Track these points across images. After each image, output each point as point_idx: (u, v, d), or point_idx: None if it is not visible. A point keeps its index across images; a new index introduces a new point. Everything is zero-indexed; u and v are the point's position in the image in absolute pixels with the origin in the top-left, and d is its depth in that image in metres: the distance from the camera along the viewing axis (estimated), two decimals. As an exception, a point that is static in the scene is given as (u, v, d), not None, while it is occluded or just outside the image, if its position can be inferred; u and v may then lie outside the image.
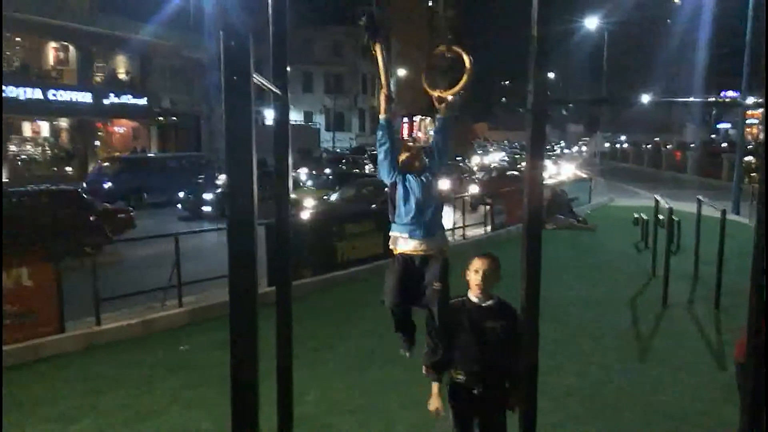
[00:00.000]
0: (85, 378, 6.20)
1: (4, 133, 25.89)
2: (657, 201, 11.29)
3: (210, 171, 22.33)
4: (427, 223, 3.19)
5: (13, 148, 27.07)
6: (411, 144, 3.34)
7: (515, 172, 22.39)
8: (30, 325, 6.71)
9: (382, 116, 3.31)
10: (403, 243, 3.22)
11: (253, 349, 2.02)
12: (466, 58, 3.20)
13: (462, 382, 3.41)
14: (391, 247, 3.30)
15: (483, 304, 3.38)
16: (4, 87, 25.25)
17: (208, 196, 18.21)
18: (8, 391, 5.81)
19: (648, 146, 48.49)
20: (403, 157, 3.26)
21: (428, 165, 3.30)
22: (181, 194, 18.66)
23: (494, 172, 23.69)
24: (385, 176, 3.30)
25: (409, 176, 3.25)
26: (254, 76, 2.31)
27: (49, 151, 28.63)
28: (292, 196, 20.10)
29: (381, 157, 3.27)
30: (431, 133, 3.56)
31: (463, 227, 13.90)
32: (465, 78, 3.20)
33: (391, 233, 3.28)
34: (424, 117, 54.40)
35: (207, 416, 5.28)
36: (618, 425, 5.24)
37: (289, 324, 3.26)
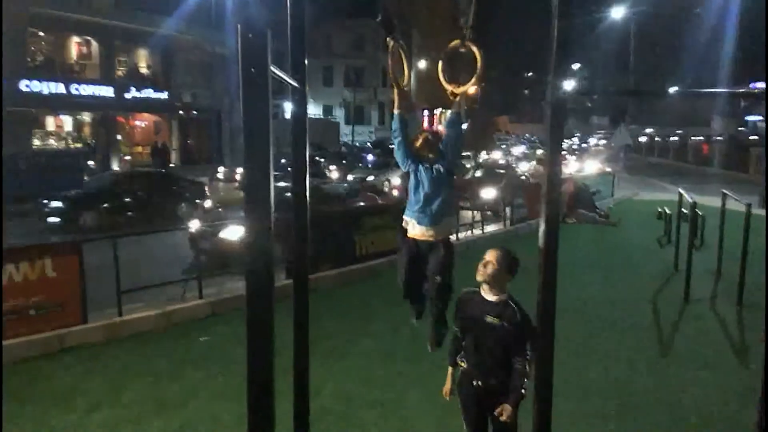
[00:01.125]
0: (107, 369, 6.29)
1: (28, 126, 26.32)
2: (681, 195, 11.11)
3: (79, 172, 18.79)
4: (433, 213, 3.33)
5: (36, 142, 27.52)
6: (426, 135, 3.42)
7: (502, 171, 20.26)
8: (54, 316, 6.83)
9: (395, 111, 3.45)
10: (412, 228, 3.39)
11: (269, 346, 2.02)
12: (478, 56, 3.23)
13: (465, 371, 3.52)
14: (404, 226, 3.49)
15: (488, 298, 3.39)
16: (28, 82, 25.68)
17: (55, 203, 14.31)
18: (32, 381, 5.94)
19: (672, 138, 47.72)
20: (417, 144, 3.39)
21: (440, 157, 3.40)
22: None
23: (479, 169, 21.15)
24: (401, 165, 3.46)
25: (420, 167, 3.38)
26: (272, 68, 2.31)
27: (72, 145, 29.04)
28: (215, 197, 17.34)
29: (396, 148, 3.44)
30: (440, 127, 3.68)
31: (482, 222, 13.83)
32: (476, 77, 3.27)
33: (404, 216, 3.47)
34: (444, 110, 54.09)
35: (227, 408, 5.32)
36: (642, 424, 5.16)
37: (306, 317, 3.27)
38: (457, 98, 3.36)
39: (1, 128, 18.75)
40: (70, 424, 5.10)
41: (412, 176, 3.38)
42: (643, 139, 56.01)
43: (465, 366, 3.51)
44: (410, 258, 3.41)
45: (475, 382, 3.45)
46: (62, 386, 5.83)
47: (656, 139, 53.70)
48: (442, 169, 3.36)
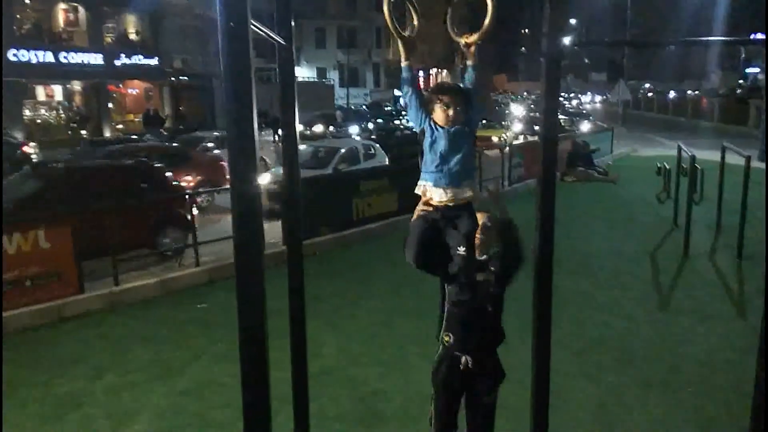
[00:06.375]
0: (108, 336, 6.31)
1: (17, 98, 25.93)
2: (680, 149, 11.00)
3: None
4: (453, 173, 2.96)
5: (27, 112, 27.17)
6: (443, 97, 2.96)
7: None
8: (51, 286, 6.81)
9: (403, 63, 3.04)
10: (428, 193, 3.02)
11: (260, 309, 1.98)
12: (489, 1, 2.81)
13: (449, 345, 3.13)
14: (418, 193, 3.07)
15: (478, 258, 3.10)
16: (16, 51, 25.20)
17: None
18: (35, 350, 5.97)
19: (669, 94, 47.25)
20: (435, 112, 2.98)
21: (462, 117, 2.99)
22: None
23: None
24: (415, 124, 3.08)
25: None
26: (256, 24, 2.20)
27: (63, 115, 28.69)
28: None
29: (408, 104, 3.06)
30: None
31: (480, 182, 13.74)
32: (489, 19, 2.84)
33: (419, 182, 3.06)
34: (440, 70, 53.28)
35: (228, 371, 5.34)
36: (646, 374, 5.21)
37: (301, 280, 3.26)
38: (471, 49, 2.97)
39: (1, 108, 18.58)
40: (75, 390, 5.14)
41: (428, 134, 2.98)
42: (640, 95, 55.42)
43: (450, 341, 3.12)
44: (426, 227, 2.99)
45: (464, 359, 3.10)
46: (65, 354, 5.86)
47: (656, 91, 53.16)
48: (463, 128, 2.97)
